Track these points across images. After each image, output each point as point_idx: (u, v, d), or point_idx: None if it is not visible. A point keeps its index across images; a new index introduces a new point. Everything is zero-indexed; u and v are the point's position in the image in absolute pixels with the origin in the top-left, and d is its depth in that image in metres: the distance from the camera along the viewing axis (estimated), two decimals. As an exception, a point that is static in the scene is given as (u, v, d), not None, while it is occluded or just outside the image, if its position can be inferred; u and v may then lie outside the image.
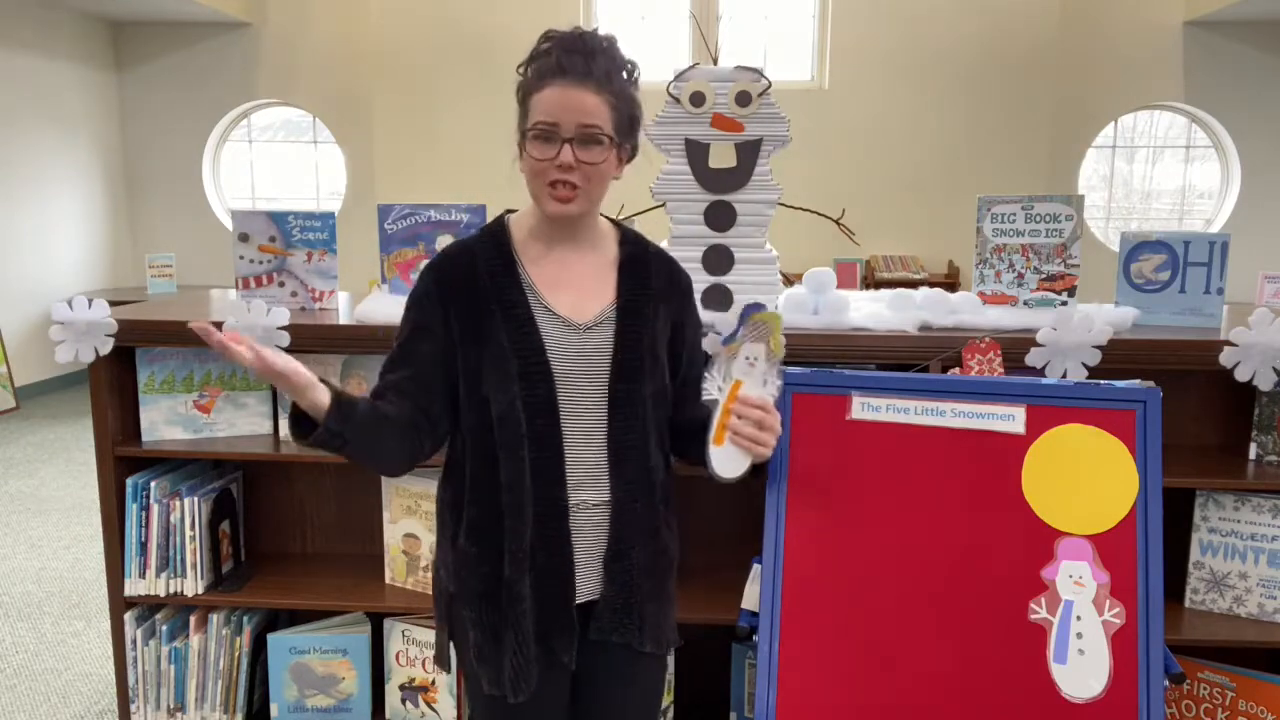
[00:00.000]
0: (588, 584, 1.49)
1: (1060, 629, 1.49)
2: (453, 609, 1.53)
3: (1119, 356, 1.99)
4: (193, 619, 2.29)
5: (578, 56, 1.40)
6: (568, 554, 1.46)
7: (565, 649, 1.48)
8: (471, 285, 1.47)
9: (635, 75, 1.48)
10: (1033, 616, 1.50)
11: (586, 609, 1.50)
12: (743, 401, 1.46)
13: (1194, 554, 2.15)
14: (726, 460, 1.47)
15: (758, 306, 1.50)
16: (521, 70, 1.46)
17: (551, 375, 1.44)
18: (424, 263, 1.67)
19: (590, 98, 1.40)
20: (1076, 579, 1.50)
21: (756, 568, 1.64)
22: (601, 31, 1.45)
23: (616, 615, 1.50)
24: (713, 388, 1.50)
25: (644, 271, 1.54)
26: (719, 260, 2.15)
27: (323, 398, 1.34)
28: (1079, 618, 1.50)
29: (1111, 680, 1.46)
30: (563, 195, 1.42)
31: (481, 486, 1.47)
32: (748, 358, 1.48)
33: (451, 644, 1.58)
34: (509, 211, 1.59)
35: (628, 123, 1.46)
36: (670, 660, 2.26)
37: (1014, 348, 2.00)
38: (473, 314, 1.46)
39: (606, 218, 1.60)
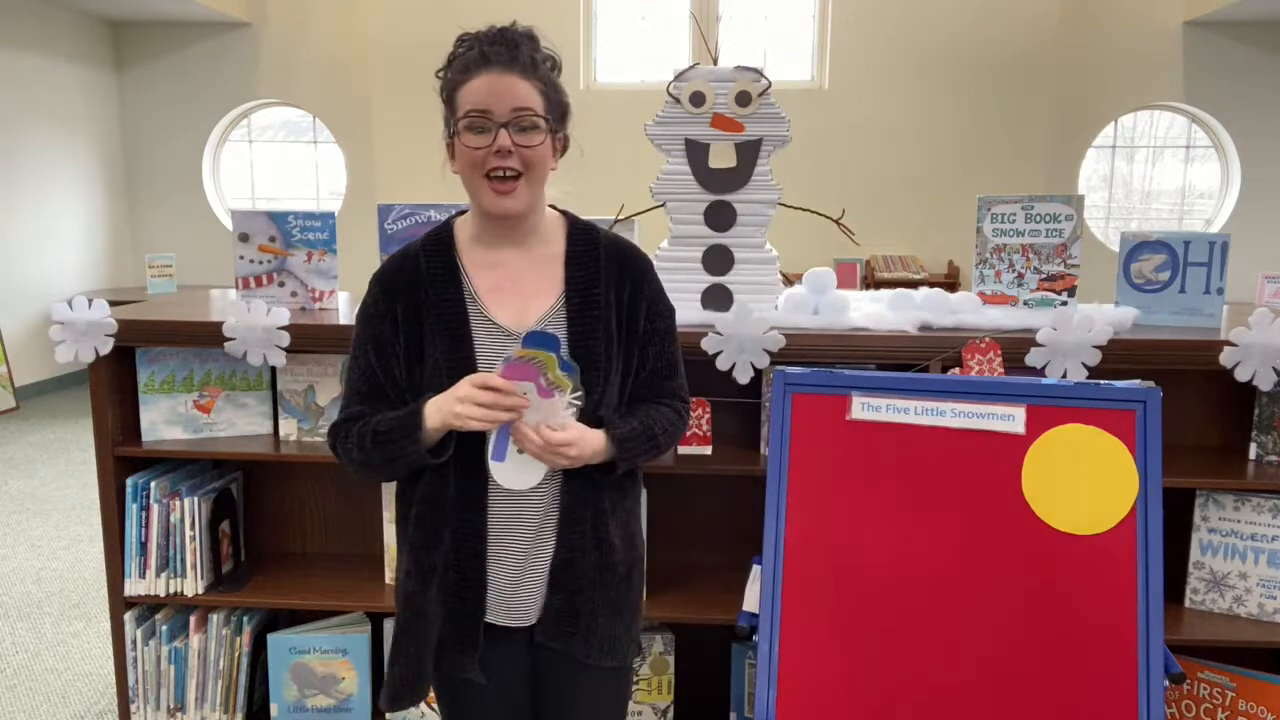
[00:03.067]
0: (531, 595, 1.46)
1: (501, 429, 1.39)
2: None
3: (1119, 356, 1.99)
4: (193, 619, 2.29)
5: (500, 47, 1.36)
6: (481, 570, 1.43)
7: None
8: (414, 296, 1.43)
9: (559, 66, 1.44)
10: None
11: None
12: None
13: (1194, 554, 2.15)
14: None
15: (540, 338, 1.36)
16: (441, 73, 1.42)
17: None
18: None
19: (520, 83, 1.36)
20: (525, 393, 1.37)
21: (756, 568, 1.64)
22: (520, 26, 1.41)
23: (562, 624, 1.47)
24: None
25: (593, 263, 1.46)
26: (719, 260, 2.15)
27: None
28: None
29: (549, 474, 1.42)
30: (503, 188, 1.37)
31: (408, 497, 1.48)
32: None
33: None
34: (459, 213, 1.53)
35: (560, 110, 1.43)
36: (670, 660, 2.26)
37: (1014, 348, 2.00)
38: (415, 327, 1.42)
39: (558, 209, 1.54)
